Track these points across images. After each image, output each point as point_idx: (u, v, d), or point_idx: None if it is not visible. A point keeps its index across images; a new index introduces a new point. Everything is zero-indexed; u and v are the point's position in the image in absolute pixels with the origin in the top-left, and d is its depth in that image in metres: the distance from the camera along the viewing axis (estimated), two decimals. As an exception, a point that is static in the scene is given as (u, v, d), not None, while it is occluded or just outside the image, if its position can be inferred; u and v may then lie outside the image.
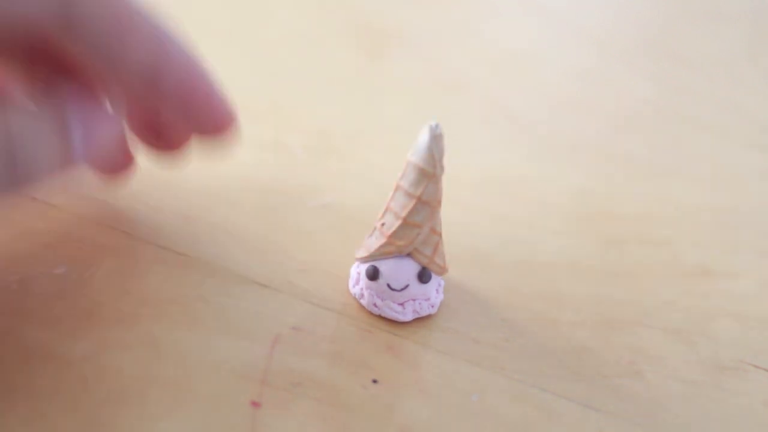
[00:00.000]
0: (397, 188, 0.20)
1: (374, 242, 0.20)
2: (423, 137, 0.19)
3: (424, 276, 0.20)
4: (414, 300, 0.21)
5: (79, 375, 0.18)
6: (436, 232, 0.20)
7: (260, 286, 0.21)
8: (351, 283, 0.21)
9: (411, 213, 0.20)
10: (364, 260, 0.21)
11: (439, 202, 0.20)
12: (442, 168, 0.19)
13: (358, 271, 0.21)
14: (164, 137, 0.20)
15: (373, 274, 0.20)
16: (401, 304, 0.20)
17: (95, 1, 0.16)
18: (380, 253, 0.20)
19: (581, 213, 0.27)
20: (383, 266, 0.20)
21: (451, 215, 0.22)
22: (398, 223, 0.20)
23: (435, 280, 0.21)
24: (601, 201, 0.27)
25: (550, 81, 0.34)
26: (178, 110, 0.18)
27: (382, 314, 0.21)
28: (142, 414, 0.17)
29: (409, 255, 0.20)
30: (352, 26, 0.36)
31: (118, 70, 0.17)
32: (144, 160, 0.22)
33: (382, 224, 0.20)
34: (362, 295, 0.21)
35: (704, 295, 0.24)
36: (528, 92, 0.33)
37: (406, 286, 0.20)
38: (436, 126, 0.19)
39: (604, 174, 0.29)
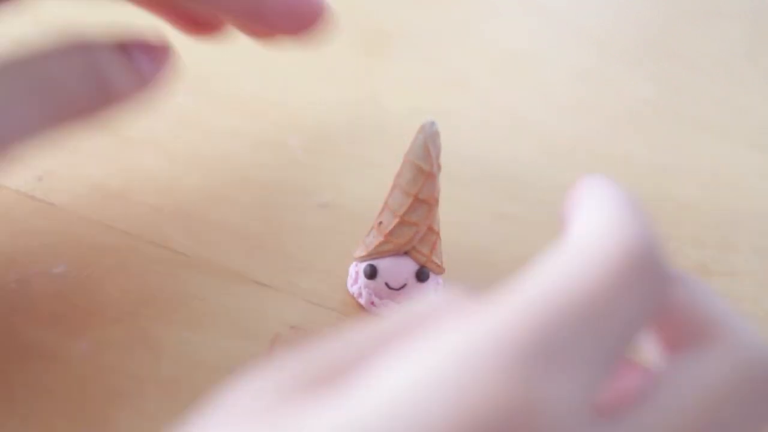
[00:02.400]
0: (395, 186, 0.20)
1: (372, 241, 0.20)
2: (419, 135, 0.19)
3: (422, 275, 0.20)
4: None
5: (78, 374, 0.18)
6: (433, 231, 0.20)
7: (260, 286, 0.21)
8: (350, 281, 0.21)
9: (408, 211, 0.20)
10: (362, 259, 0.21)
11: (437, 201, 0.20)
12: (438, 166, 0.19)
13: (356, 269, 0.21)
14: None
15: (371, 273, 0.20)
16: (399, 303, 0.20)
17: None
18: (378, 252, 0.20)
19: (581, 212, 0.27)
20: (381, 265, 0.20)
21: (449, 214, 0.22)
22: (395, 221, 0.20)
23: (433, 279, 0.21)
24: (601, 200, 0.27)
25: (550, 81, 0.34)
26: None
27: (381, 313, 0.21)
28: (141, 413, 0.17)
29: (406, 254, 0.20)
30: (352, 26, 0.36)
31: None
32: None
33: (380, 223, 0.20)
34: (360, 294, 0.21)
35: (703, 294, 0.24)
36: (528, 92, 0.33)
37: (404, 285, 0.20)
38: (432, 124, 0.19)
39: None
